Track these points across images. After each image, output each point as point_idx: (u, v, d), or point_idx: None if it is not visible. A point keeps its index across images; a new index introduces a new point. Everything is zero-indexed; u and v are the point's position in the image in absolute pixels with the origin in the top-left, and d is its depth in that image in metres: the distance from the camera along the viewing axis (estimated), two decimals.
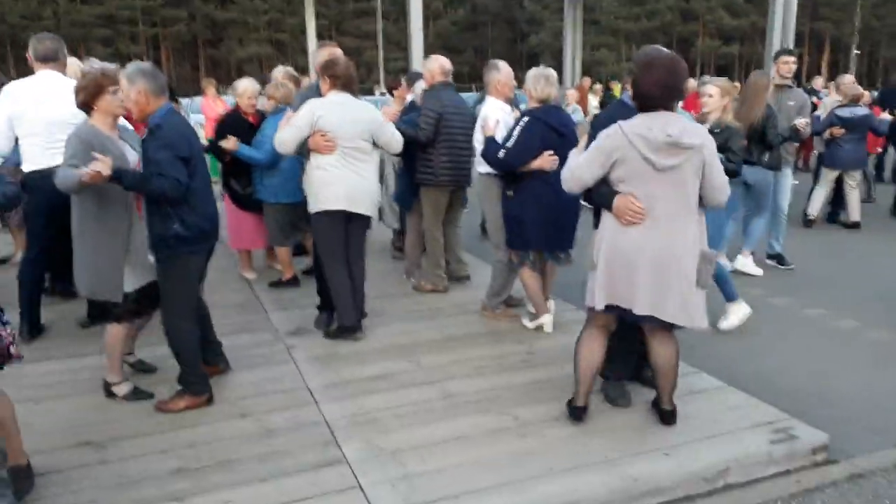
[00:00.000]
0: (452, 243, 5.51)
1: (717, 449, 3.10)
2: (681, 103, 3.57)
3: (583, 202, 3.48)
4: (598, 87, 21.25)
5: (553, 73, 4.36)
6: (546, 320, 4.55)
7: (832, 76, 51.67)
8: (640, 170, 2.89)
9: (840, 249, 7.30)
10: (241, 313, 4.92)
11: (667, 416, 3.27)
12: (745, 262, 6.34)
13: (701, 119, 4.49)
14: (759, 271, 6.34)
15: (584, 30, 55.82)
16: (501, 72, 4.82)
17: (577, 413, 3.32)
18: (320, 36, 59.40)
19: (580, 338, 3.31)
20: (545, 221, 4.30)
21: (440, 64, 5.17)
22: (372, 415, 3.43)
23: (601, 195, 3.03)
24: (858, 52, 50.21)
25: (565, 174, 3.09)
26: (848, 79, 7.90)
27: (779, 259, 6.58)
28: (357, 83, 4.27)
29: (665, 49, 3.07)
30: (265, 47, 54.47)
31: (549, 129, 4.22)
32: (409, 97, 5.82)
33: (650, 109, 2.91)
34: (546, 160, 4.19)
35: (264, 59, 53.27)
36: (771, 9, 14.73)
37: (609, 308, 3.08)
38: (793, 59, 6.40)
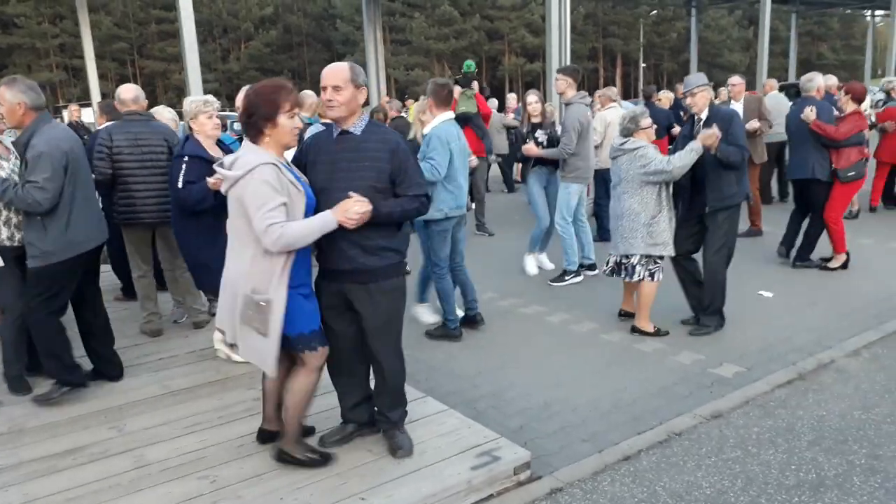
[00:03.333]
0: (183, 287, 5.08)
1: (416, 485, 2.97)
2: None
3: None
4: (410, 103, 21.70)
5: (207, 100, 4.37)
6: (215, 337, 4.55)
7: (625, 88, 56.80)
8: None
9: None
10: None
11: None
12: (527, 260, 6.92)
13: None
14: (533, 270, 6.86)
15: (397, 50, 56.19)
16: None
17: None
18: (121, 61, 55.26)
19: None
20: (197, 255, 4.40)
21: (120, 94, 4.92)
22: (38, 502, 2.95)
23: None
24: (645, 64, 55.47)
25: None
26: (606, 91, 8.50)
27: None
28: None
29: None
30: (59, 73, 49.90)
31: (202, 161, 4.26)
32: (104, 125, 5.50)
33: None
34: None
35: (58, 85, 48.83)
36: (547, 30, 15.80)
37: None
38: (560, 76, 6.36)
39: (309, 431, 3.41)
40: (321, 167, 2.96)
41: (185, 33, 11.45)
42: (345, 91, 2.90)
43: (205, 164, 4.09)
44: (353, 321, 3.10)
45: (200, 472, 3.14)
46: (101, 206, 4.24)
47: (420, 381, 4.25)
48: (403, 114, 10.28)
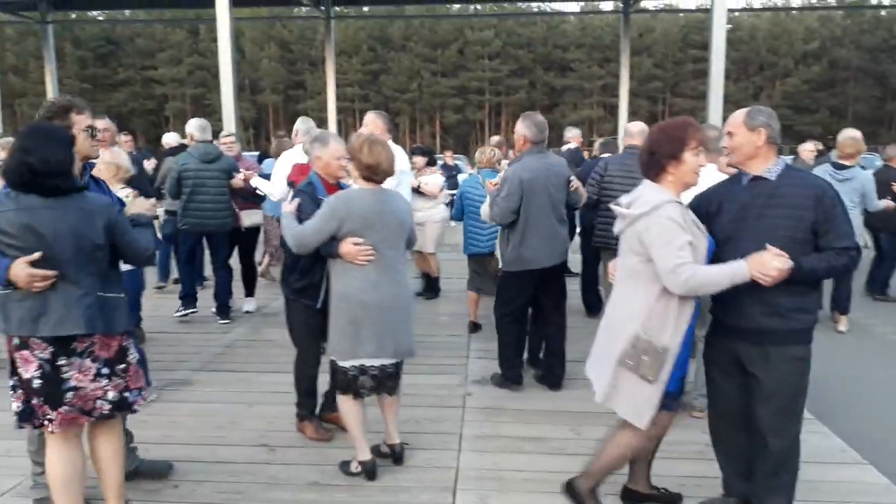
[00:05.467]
0: None
1: None
2: None
3: None
4: None
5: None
6: None
7: None
8: None
9: None
10: (445, 357, 5.28)
11: None
12: None
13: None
14: None
15: None
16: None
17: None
18: (654, 99, 59.01)
19: None
20: None
21: (628, 128, 5.35)
22: (502, 473, 3.45)
23: None
24: None
25: None
26: None
27: None
28: None
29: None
30: (598, 110, 56.36)
31: None
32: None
33: None
34: None
35: (595, 121, 55.09)
36: None
37: None
38: None
39: (676, 499, 3.22)
40: (727, 215, 2.71)
41: (713, 70, 11.56)
42: (737, 136, 2.70)
43: None
44: (742, 385, 2.76)
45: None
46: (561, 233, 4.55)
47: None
48: None
